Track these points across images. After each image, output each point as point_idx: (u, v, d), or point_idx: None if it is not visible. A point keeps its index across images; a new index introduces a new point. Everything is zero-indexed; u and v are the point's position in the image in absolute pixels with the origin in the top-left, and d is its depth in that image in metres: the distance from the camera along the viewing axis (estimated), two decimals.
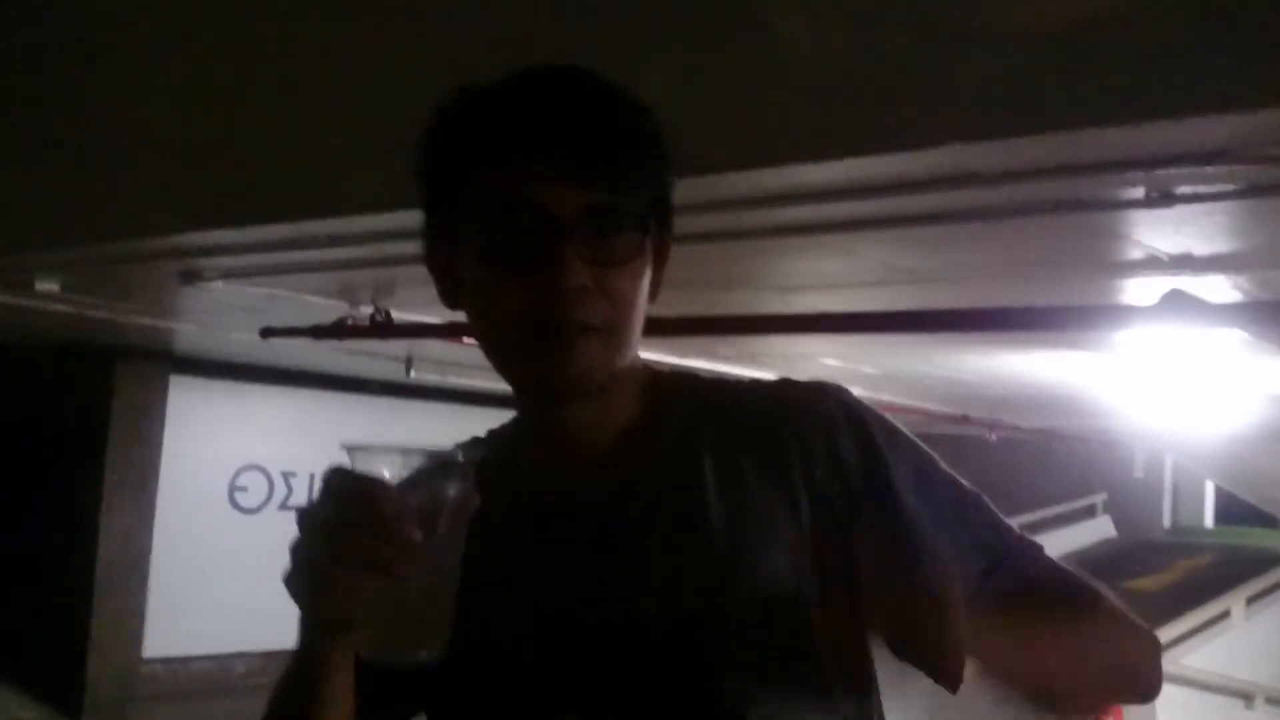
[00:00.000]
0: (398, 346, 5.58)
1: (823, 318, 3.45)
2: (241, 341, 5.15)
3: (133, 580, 6.99)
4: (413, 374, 6.09)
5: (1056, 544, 3.95)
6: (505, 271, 0.88)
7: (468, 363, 5.42)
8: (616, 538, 0.93)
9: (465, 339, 4.14)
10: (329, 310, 3.97)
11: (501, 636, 0.94)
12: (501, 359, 0.93)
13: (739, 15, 1.84)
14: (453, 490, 0.83)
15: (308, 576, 0.81)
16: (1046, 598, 0.94)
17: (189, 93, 2.83)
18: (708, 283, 3.21)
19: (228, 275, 3.65)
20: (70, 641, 6.83)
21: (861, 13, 1.73)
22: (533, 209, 0.86)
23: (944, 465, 0.97)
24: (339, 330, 3.95)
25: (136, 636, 7.06)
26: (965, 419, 7.31)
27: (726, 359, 4.92)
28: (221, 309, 4.25)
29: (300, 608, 0.85)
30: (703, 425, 0.97)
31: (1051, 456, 9.75)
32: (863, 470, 0.92)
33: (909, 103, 1.70)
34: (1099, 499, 8.56)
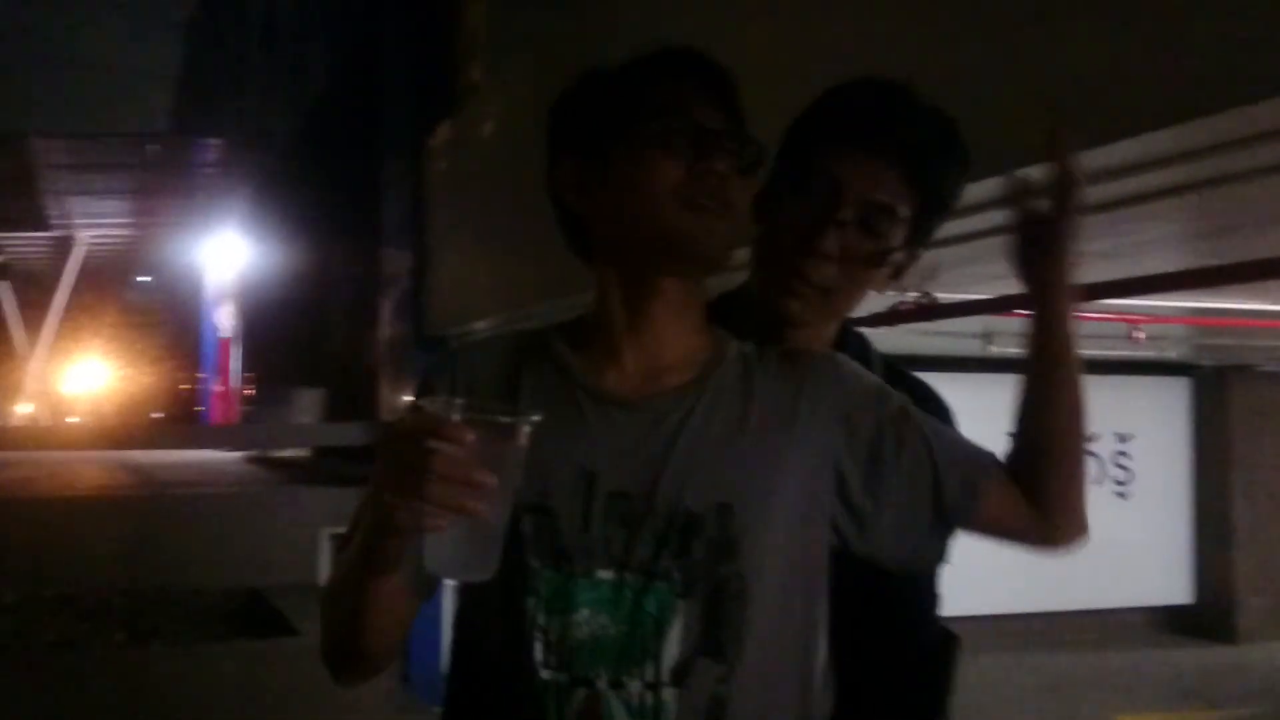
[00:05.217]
0: (974, 324, 5.62)
1: None
2: None
3: None
4: (992, 349, 6.09)
5: None
6: (668, 157, 1.14)
7: None
8: (675, 426, 1.15)
9: (1015, 313, 4.13)
10: (882, 300, 4.19)
11: (551, 496, 1.12)
12: (660, 226, 1.14)
13: None
14: (515, 441, 0.99)
15: (394, 504, 0.96)
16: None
17: None
18: None
19: None
20: None
21: None
22: (689, 117, 1.16)
23: None
24: (893, 317, 4.15)
25: None
26: None
27: None
28: None
29: (381, 520, 1.00)
30: (756, 359, 1.22)
31: None
32: (884, 415, 1.21)
33: None
34: None
